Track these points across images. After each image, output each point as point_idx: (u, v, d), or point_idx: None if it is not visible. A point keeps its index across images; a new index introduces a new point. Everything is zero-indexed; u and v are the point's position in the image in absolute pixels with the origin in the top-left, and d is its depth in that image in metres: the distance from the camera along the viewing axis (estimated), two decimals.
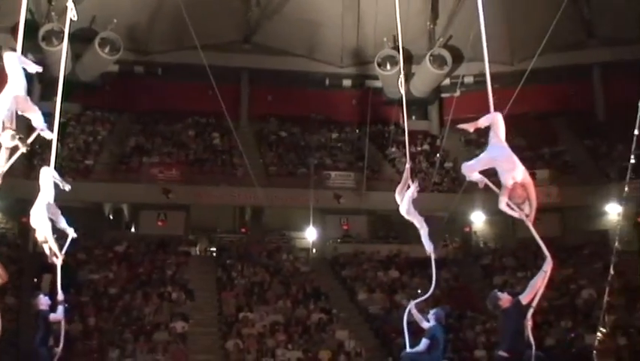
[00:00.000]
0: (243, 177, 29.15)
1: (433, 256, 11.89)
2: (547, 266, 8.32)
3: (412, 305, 11.81)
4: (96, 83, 32.08)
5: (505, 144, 8.55)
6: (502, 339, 8.77)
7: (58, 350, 11.02)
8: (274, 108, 35.03)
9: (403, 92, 13.38)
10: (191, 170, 30.44)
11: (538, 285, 8.42)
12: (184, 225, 30.34)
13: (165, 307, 23.89)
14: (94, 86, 31.94)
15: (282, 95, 34.92)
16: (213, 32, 30.68)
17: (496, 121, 8.64)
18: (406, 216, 11.75)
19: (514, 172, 8.29)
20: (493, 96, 9.04)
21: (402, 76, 13.83)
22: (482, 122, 8.73)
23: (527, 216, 8.43)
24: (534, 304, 8.40)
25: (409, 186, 11.75)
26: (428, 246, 11.88)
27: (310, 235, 29.96)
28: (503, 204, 8.41)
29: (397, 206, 12.04)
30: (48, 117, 8.89)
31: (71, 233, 10.51)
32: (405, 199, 11.71)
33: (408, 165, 12.17)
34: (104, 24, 29.79)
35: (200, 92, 28.93)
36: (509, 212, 8.49)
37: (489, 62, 9.48)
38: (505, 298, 8.67)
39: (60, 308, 11.10)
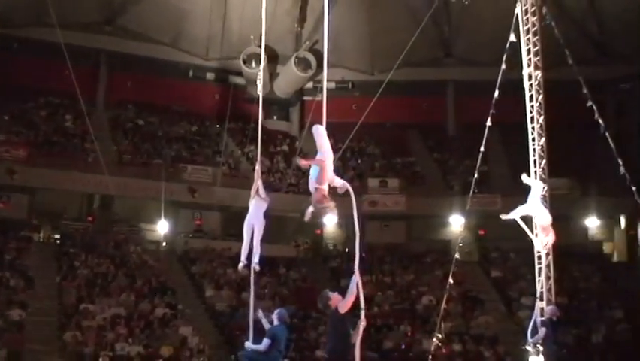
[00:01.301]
0: (94, 164, 28.17)
1: (252, 273, 11.88)
2: (355, 265, 8.56)
3: (261, 315, 11.88)
4: None
5: (323, 152, 8.81)
6: (327, 340, 8.79)
7: None
8: (133, 95, 34.17)
9: (260, 92, 13.48)
10: (39, 152, 29.12)
11: (353, 289, 8.61)
12: (27, 208, 29.00)
13: (2, 293, 22.85)
14: None
15: (142, 83, 34.10)
16: (75, 11, 29.60)
17: (314, 132, 8.91)
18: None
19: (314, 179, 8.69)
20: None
21: (260, 76, 13.87)
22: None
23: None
24: (362, 305, 8.61)
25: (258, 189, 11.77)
26: (256, 262, 11.86)
27: (161, 227, 29.42)
28: (310, 209, 8.71)
29: None
30: None
31: None
32: (252, 207, 11.74)
33: (258, 167, 12.25)
34: None
35: (56, 71, 27.78)
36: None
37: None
38: (335, 298, 8.71)
39: None
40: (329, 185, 8.83)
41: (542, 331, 14.31)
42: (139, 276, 25.86)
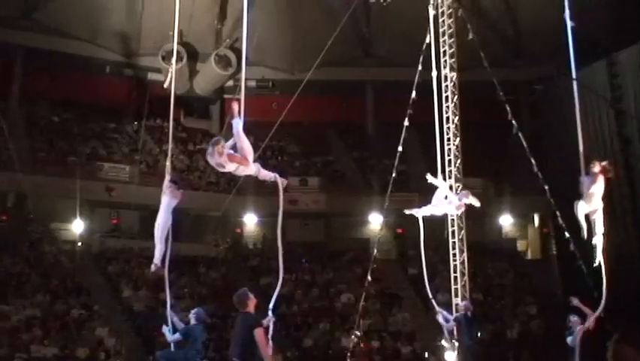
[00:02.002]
0: (7, 161, 27.33)
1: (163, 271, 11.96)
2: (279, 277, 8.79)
3: (172, 315, 11.90)
4: None
5: (244, 153, 9.34)
6: (235, 343, 8.68)
7: None
8: (49, 91, 33.19)
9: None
10: None
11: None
12: None
13: None
14: None
15: (58, 79, 33.13)
16: None
17: (234, 134, 9.30)
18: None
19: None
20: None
21: (173, 72, 13.81)
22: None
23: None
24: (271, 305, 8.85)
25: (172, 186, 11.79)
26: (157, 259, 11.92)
27: (77, 227, 28.80)
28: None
29: None
30: None
31: None
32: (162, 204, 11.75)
33: (168, 163, 12.30)
34: None
35: None
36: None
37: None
38: (253, 300, 8.69)
39: None
40: (257, 178, 9.58)
41: (451, 325, 14.63)
42: (54, 276, 25.31)
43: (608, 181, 12.11)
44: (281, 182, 9.82)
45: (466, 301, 16.36)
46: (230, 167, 9.35)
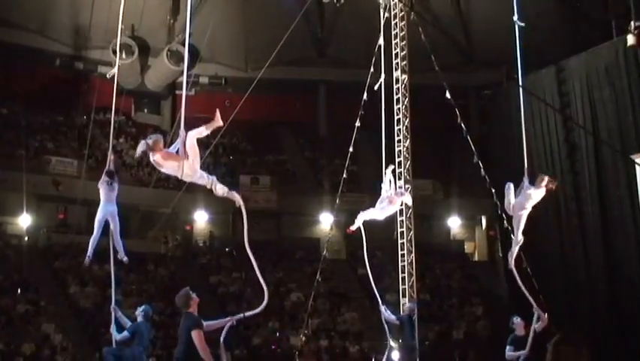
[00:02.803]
0: None
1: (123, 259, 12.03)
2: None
3: (117, 312, 11.90)
4: None
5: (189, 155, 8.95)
6: (179, 343, 8.68)
7: None
8: None
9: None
10: None
11: (221, 323, 9.09)
12: None
13: None
14: None
15: (6, 70, 32.52)
16: None
17: (183, 137, 8.97)
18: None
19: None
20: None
21: (116, 69, 13.78)
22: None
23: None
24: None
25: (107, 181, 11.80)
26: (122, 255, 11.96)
27: (23, 221, 28.30)
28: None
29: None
30: None
31: None
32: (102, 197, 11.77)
33: (111, 156, 12.30)
34: None
35: None
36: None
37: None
38: (195, 300, 8.69)
39: None
40: (207, 188, 9.23)
41: (394, 319, 14.80)
42: (0, 271, 24.82)
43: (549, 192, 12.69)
44: (237, 200, 9.48)
45: (411, 303, 16.53)
46: (169, 167, 8.88)
